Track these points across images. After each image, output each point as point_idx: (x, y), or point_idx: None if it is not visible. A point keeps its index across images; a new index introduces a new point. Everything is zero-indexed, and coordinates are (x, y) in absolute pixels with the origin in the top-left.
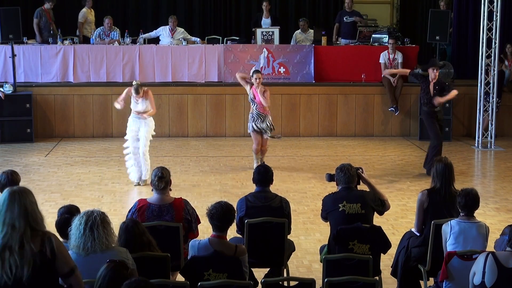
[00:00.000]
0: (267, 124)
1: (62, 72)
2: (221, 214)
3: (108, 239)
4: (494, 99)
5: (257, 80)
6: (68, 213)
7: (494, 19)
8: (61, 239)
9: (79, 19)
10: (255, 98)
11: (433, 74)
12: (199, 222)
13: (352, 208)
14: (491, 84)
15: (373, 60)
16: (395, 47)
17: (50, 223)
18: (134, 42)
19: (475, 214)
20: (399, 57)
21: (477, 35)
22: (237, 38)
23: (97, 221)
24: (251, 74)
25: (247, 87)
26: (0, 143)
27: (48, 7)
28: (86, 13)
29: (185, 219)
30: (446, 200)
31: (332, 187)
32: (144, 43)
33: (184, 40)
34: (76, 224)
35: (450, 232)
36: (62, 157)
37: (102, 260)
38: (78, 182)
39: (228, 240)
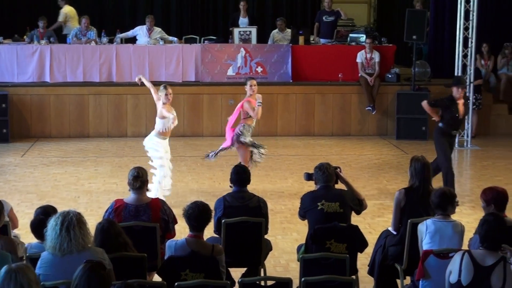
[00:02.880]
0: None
1: (38, 72)
2: (197, 214)
3: (84, 240)
4: (471, 98)
5: (253, 87)
6: (44, 214)
7: (471, 18)
8: (36, 240)
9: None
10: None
11: (458, 94)
12: (176, 222)
13: (330, 207)
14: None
15: (350, 60)
16: (372, 46)
17: (26, 224)
18: (111, 41)
19: None
20: (376, 56)
21: (453, 34)
22: (215, 37)
23: (73, 222)
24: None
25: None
26: None
27: (41, 26)
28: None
29: (162, 219)
30: (423, 199)
31: (310, 186)
32: (121, 42)
33: (161, 39)
34: (52, 225)
35: (426, 231)
36: (38, 158)
37: (78, 261)
38: (55, 183)
39: (205, 240)
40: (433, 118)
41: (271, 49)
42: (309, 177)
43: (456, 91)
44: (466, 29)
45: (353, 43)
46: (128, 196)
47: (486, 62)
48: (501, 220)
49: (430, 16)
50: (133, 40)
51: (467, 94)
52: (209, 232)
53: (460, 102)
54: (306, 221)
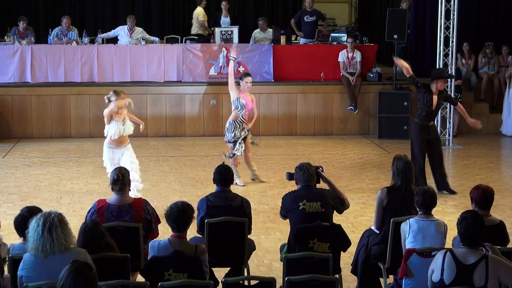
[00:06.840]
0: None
1: (19, 72)
2: (176, 215)
3: (66, 240)
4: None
5: (248, 84)
6: (29, 212)
7: (451, 17)
8: (19, 241)
9: (200, 19)
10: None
11: (434, 86)
12: (159, 222)
13: (312, 207)
14: (449, 83)
15: (332, 59)
16: (353, 45)
17: (8, 225)
18: (92, 42)
19: (434, 212)
20: (357, 56)
21: (434, 33)
22: (196, 37)
23: (55, 222)
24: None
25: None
26: None
27: (22, 26)
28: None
29: (144, 219)
30: (405, 198)
31: (292, 186)
32: (103, 43)
33: (142, 39)
34: (33, 226)
35: (409, 230)
36: (20, 158)
37: (61, 262)
38: (37, 183)
39: (188, 239)
40: (405, 73)
41: (253, 49)
42: (291, 176)
43: (434, 85)
44: (447, 28)
45: (335, 43)
46: (110, 196)
47: (467, 61)
48: (479, 216)
49: (411, 16)
50: (114, 40)
51: (449, 92)
52: (192, 232)
53: (435, 94)
54: (288, 220)
